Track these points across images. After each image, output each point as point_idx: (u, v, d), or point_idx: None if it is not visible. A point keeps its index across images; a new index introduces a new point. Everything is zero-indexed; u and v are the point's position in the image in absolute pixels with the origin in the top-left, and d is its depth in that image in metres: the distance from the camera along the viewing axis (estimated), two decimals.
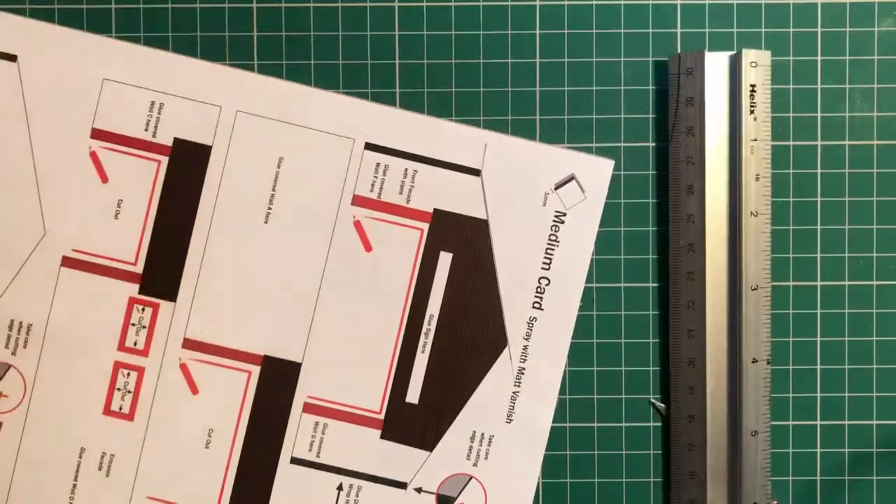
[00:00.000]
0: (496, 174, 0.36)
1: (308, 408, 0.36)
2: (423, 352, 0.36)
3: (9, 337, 0.36)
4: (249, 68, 0.39)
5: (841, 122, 0.39)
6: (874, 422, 0.39)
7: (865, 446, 0.39)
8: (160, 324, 0.36)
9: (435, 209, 0.36)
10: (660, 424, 0.39)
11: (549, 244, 0.36)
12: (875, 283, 0.39)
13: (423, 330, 0.36)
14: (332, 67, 0.39)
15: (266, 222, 0.36)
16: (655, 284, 0.39)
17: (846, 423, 0.39)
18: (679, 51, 0.39)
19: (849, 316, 0.39)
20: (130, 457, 0.36)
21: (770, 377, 0.38)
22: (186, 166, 0.36)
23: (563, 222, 0.36)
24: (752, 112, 0.37)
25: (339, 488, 0.36)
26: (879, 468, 0.39)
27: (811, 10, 0.39)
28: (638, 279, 0.39)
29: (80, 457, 0.36)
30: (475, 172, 0.36)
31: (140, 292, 0.36)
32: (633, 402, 0.39)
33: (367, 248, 0.36)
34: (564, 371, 0.38)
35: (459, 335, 0.36)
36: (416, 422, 0.36)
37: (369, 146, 0.36)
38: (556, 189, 0.36)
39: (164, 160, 0.36)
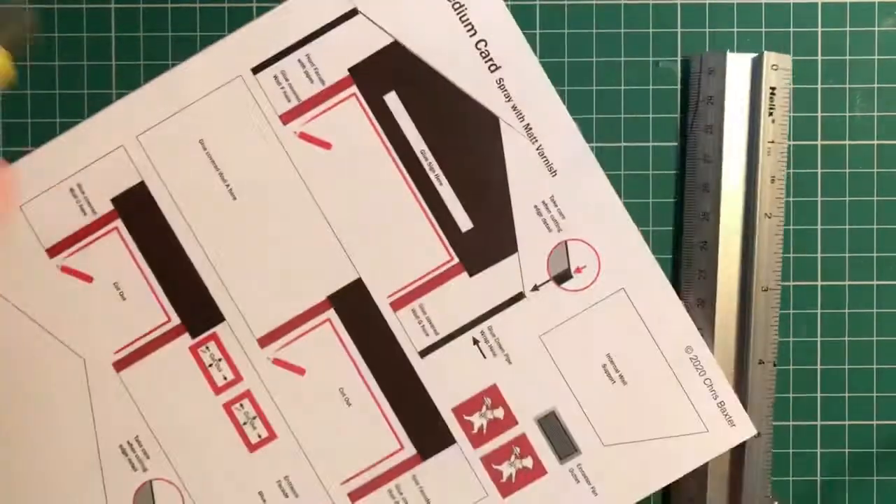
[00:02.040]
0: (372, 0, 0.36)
1: (396, 305, 0.36)
2: (441, 183, 0.36)
3: (130, 461, 0.36)
4: None
5: (841, 122, 0.39)
6: (874, 422, 0.39)
7: (866, 446, 0.39)
8: (229, 346, 0.36)
9: (349, 69, 0.36)
10: None
11: (468, 32, 0.36)
12: (875, 283, 0.39)
13: (426, 167, 0.36)
14: None
15: (235, 198, 0.36)
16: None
17: (846, 423, 0.39)
18: (679, 51, 0.39)
19: (849, 316, 0.39)
20: (301, 467, 0.36)
21: (774, 379, 0.38)
22: (139, 212, 0.36)
23: (465, 8, 0.36)
24: (770, 114, 0.37)
25: (475, 342, 0.36)
26: (880, 468, 0.39)
27: (811, 9, 0.39)
28: None
29: (264, 499, 0.36)
30: (352, 14, 0.36)
31: (193, 336, 0.36)
32: None
33: (326, 146, 0.36)
34: None
35: (455, 146, 0.36)
36: (486, 239, 0.36)
37: (255, 69, 0.36)
38: None
39: (119, 223, 0.36)
